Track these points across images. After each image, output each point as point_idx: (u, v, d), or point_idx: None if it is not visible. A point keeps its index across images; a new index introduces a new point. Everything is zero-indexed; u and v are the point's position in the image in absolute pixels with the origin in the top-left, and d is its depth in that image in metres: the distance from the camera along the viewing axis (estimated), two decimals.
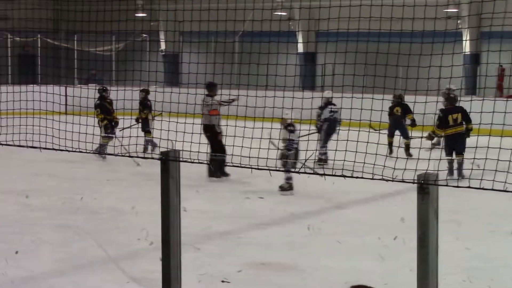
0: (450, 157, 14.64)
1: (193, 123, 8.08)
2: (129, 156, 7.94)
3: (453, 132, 14.60)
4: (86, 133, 7.92)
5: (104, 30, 10.37)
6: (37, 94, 15.82)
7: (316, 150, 14.89)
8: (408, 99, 7.32)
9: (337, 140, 7.23)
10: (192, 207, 10.95)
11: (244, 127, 7.69)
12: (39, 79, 26.06)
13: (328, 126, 16.66)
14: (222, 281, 8.56)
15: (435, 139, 16.09)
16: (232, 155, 6.79)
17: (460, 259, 9.38)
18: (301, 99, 8.28)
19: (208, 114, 14.45)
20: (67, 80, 25.31)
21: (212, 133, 14.40)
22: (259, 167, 6.39)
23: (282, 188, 13.77)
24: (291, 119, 13.30)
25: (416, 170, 5.50)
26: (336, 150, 6.86)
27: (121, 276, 8.72)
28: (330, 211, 12.68)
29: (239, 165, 6.58)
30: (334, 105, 16.59)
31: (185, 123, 8.00)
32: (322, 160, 16.03)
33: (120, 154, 7.90)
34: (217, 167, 14.82)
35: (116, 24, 10.16)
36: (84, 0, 10.28)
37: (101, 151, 16.11)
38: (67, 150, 7.29)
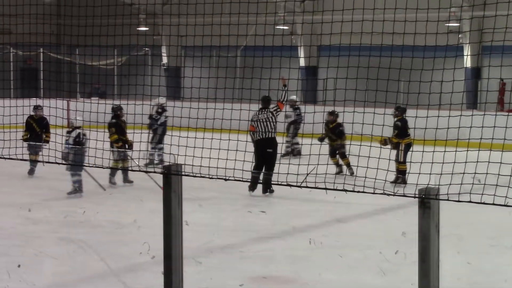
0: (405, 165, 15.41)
1: (195, 137, 8.11)
2: (138, 171, 7.96)
3: (411, 141, 15.47)
4: (89, 147, 7.94)
5: (107, 45, 10.40)
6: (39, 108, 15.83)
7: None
8: (410, 113, 7.36)
9: (349, 154, 7.25)
10: (194, 220, 10.96)
11: (246, 141, 7.73)
12: (41, 93, 26.13)
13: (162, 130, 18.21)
14: None
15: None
16: (234, 169, 6.81)
17: (461, 273, 9.37)
18: (304, 113, 8.31)
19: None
20: (69, 94, 25.37)
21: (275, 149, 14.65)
22: (261, 182, 6.41)
23: None
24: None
25: (417, 184, 5.52)
26: (338, 164, 6.87)
27: None
28: (331, 224, 12.67)
29: (241, 179, 6.60)
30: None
31: (187, 137, 8.02)
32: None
33: (123, 168, 7.92)
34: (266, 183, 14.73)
35: (118, 38, 10.20)
36: (86, 16, 10.32)
37: (111, 178, 15.94)
38: (70, 164, 7.33)
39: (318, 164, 7.52)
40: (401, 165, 15.59)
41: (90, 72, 25.09)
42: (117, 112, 16.50)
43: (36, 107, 17.56)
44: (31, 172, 17.08)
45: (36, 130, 17.40)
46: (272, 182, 14.14)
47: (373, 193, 5.87)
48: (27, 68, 33.11)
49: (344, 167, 16.56)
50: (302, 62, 33.05)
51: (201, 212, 12.92)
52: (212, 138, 8.06)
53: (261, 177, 14.29)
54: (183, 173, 5.94)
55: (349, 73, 8.18)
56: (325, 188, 6.32)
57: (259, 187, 14.47)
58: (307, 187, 6.55)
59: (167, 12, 32.58)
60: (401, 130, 15.70)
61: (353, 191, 6.05)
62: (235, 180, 6.67)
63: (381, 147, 15.77)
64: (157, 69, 33.67)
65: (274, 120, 14.77)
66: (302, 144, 15.60)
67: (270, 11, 25.75)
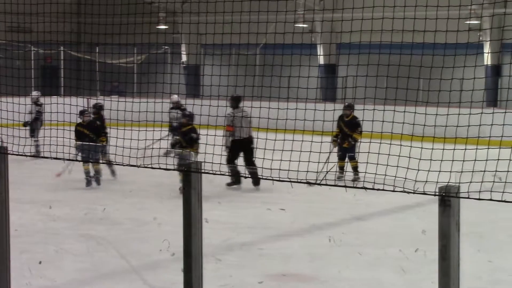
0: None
1: (215, 135, 8.12)
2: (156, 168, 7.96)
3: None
4: (109, 145, 7.96)
5: (127, 43, 10.43)
6: (60, 106, 15.92)
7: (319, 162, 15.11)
8: (430, 111, 7.31)
9: (358, 152, 7.24)
10: (214, 218, 10.99)
11: (266, 139, 7.71)
12: (62, 91, 26.25)
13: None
14: None
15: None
16: (258, 167, 6.82)
17: (482, 271, 9.33)
18: (323, 111, 8.29)
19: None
20: (89, 92, 25.48)
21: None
22: (281, 179, 6.40)
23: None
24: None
25: (437, 182, 5.49)
26: (357, 162, 6.86)
27: (143, 286, 8.76)
28: (350, 222, 12.65)
29: (260, 176, 6.60)
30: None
31: (207, 134, 8.03)
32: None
33: (143, 166, 7.93)
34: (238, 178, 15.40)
35: (138, 36, 10.22)
36: (106, 14, 10.35)
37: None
38: (89, 161, 7.37)
39: (338, 162, 7.54)
40: (352, 162, 15.75)
41: (110, 70, 25.18)
42: (99, 111, 16.72)
43: (82, 112, 16.36)
44: (88, 184, 15.86)
45: (90, 136, 16.14)
46: (292, 180, 14.19)
47: (393, 191, 5.84)
48: (47, 66, 33.28)
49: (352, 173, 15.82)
50: (321, 60, 32.98)
51: (221, 210, 12.94)
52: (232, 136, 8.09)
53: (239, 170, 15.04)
54: (203, 171, 5.94)
55: (369, 71, 8.15)
56: (345, 186, 6.31)
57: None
58: (326, 184, 6.54)
59: (186, 10, 32.60)
60: (354, 126, 15.93)
61: (373, 188, 6.03)
62: (253, 178, 6.68)
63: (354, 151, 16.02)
64: (176, 67, 33.75)
65: (250, 119, 15.18)
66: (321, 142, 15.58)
67: (289, 9, 25.73)
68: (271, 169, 6.71)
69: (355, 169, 15.80)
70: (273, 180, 6.41)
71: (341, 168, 16.18)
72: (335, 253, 10.46)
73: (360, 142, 15.77)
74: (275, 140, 7.53)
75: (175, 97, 20.98)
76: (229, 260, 9.96)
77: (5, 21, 12.35)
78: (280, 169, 6.58)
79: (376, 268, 9.71)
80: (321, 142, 7.97)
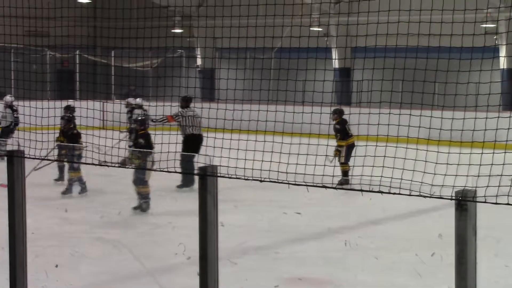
0: (347, 165, 16.00)
1: (230, 139, 8.12)
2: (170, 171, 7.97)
3: (352, 141, 16.19)
4: (126, 148, 7.98)
5: (143, 47, 10.47)
6: (76, 109, 16.01)
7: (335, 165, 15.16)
8: (446, 115, 7.30)
9: (375, 156, 7.23)
10: (230, 221, 10.99)
11: (282, 142, 7.72)
12: (77, 95, 26.34)
13: None
14: None
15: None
16: (270, 170, 6.81)
17: (499, 276, 9.29)
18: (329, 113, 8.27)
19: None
20: (105, 95, 25.59)
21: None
22: (296, 183, 6.40)
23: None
24: None
25: (454, 186, 5.47)
26: (373, 166, 6.85)
27: None
28: (366, 226, 12.63)
29: (276, 180, 6.59)
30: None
31: (222, 138, 8.04)
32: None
33: (160, 169, 7.95)
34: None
35: (153, 40, 10.25)
36: (123, 18, 10.38)
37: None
38: (106, 165, 7.38)
39: (353, 166, 7.52)
40: (342, 165, 16.05)
41: (126, 74, 25.23)
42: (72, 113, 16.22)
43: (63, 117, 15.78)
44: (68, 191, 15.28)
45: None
46: (308, 184, 14.24)
47: (409, 195, 5.83)
48: (63, 70, 33.40)
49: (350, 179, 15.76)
50: (336, 64, 32.95)
51: (236, 213, 12.95)
52: (247, 140, 8.07)
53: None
54: (218, 175, 5.94)
55: (384, 75, 8.14)
56: (361, 190, 6.28)
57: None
58: (342, 188, 6.54)
59: (202, 14, 32.66)
60: (342, 132, 16.34)
61: (389, 192, 6.00)
62: (270, 181, 6.66)
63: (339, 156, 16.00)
64: (191, 71, 33.79)
65: (198, 117, 16.41)
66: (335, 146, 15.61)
67: (304, 12, 25.72)
68: (286, 172, 6.70)
69: (344, 173, 16.01)
70: (288, 183, 6.41)
71: (345, 173, 16.11)
72: (350, 257, 10.45)
73: (340, 148, 16.07)
74: (290, 144, 7.53)
75: (138, 99, 21.92)
76: (245, 263, 9.96)
77: (23, 25, 12.40)
78: (295, 173, 6.59)
79: (392, 272, 9.69)
80: (337, 146, 8.00)
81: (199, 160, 13.17)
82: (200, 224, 5.54)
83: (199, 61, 35.72)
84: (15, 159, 5.15)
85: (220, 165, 6.26)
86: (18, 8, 13.76)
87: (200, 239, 5.64)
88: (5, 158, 17.84)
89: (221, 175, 6.12)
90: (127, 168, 12.92)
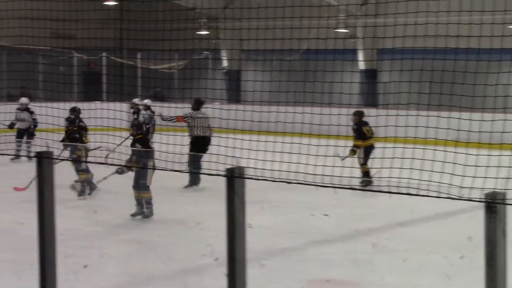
0: (366, 166, 16.12)
1: (258, 140, 8.14)
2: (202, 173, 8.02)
3: (370, 143, 16.29)
4: (155, 150, 8.00)
5: (170, 49, 10.52)
6: (102, 111, 16.05)
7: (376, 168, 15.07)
8: (475, 116, 7.26)
9: (403, 158, 7.21)
10: (257, 223, 10.98)
11: (309, 144, 7.72)
12: (104, 97, 26.48)
13: None
14: None
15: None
16: (297, 172, 6.81)
17: None
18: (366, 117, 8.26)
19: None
20: (131, 97, 25.70)
21: None
22: (324, 184, 6.39)
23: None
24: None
25: (483, 188, 5.44)
26: (401, 168, 6.84)
27: None
28: (394, 228, 12.57)
29: (304, 182, 6.59)
30: None
31: (250, 140, 8.06)
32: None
33: (193, 171, 7.98)
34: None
35: (179, 42, 10.28)
36: (149, 20, 10.42)
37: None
38: (137, 166, 7.44)
39: (381, 168, 7.50)
40: (362, 166, 16.12)
41: (153, 76, 25.33)
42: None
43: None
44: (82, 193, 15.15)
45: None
46: (336, 186, 14.31)
47: (438, 197, 5.80)
48: (90, 72, 33.56)
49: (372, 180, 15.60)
50: (361, 65, 32.80)
51: (263, 215, 12.93)
52: (274, 141, 8.10)
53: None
54: (246, 176, 5.95)
55: (410, 76, 8.12)
56: (389, 192, 6.27)
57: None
58: (371, 190, 6.52)
59: (228, 16, 32.69)
60: (358, 132, 16.38)
61: (417, 194, 5.98)
62: (297, 183, 6.66)
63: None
64: (217, 73, 33.84)
65: (208, 120, 16.82)
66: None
67: (330, 14, 25.66)
68: (314, 174, 6.70)
69: (365, 174, 16.03)
70: (316, 185, 6.40)
71: (367, 174, 16.10)
72: (378, 258, 10.41)
73: (355, 148, 16.26)
74: (317, 145, 7.53)
75: (146, 100, 22.26)
76: (272, 265, 9.96)
77: (50, 27, 12.49)
78: (323, 175, 6.59)
79: (419, 274, 9.64)
80: (364, 147, 7.98)
81: (226, 162, 13.17)
82: (228, 226, 5.54)
83: (225, 63, 35.75)
84: (44, 161, 5.18)
85: (248, 167, 6.27)
86: (45, 11, 13.87)
87: (228, 240, 5.65)
88: (20, 159, 18.00)
89: (249, 176, 6.13)
90: (133, 169, 12.84)
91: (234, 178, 5.62)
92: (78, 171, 14.91)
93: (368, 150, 16.26)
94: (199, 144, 16.49)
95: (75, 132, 15.15)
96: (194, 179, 16.40)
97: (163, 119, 17.07)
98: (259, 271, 9.33)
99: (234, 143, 8.18)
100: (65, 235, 10.78)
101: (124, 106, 21.85)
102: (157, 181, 13.62)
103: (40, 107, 21.05)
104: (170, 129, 12.74)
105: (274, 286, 8.93)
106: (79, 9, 12.04)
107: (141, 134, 13.09)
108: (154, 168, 12.27)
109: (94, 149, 14.12)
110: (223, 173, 6.01)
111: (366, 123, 16.59)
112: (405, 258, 10.26)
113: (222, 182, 5.65)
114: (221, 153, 8.36)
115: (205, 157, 14.82)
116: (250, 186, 5.60)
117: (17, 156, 20.33)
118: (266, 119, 9.12)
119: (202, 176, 15.97)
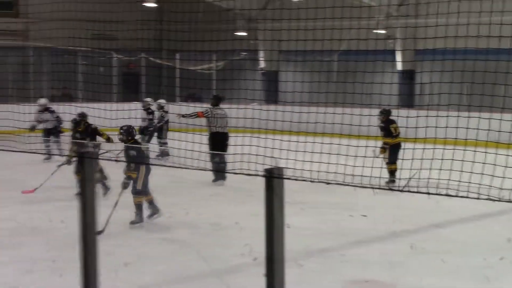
0: (395, 165, 16.17)
1: (297, 141, 8.14)
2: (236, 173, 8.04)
3: (397, 141, 16.34)
4: (193, 150, 8.04)
5: (210, 50, 10.58)
6: (141, 111, 16.06)
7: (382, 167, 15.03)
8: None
9: (442, 159, 7.18)
10: (296, 223, 10.99)
11: (348, 145, 7.71)
12: (142, 97, 26.62)
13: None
14: None
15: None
16: (336, 173, 6.81)
17: None
18: (397, 117, 8.24)
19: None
20: (168, 97, 25.82)
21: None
22: (363, 185, 6.38)
23: None
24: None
25: None
26: (440, 169, 6.80)
27: None
28: (431, 230, 12.49)
29: (343, 182, 6.58)
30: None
31: (289, 140, 8.06)
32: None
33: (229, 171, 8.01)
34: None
35: (218, 43, 10.30)
36: (187, 21, 10.46)
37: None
38: (174, 166, 7.47)
39: (420, 169, 7.48)
40: (389, 165, 16.22)
41: (192, 76, 25.36)
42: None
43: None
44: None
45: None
46: (374, 187, 14.40)
47: (478, 198, 5.76)
48: (129, 73, 33.79)
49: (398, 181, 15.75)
50: (399, 66, 32.65)
51: (303, 216, 12.94)
52: (313, 142, 8.11)
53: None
54: (285, 177, 5.95)
55: (448, 77, 8.07)
56: (428, 193, 6.23)
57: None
58: (409, 191, 6.49)
59: (265, 17, 32.73)
60: (386, 130, 16.43)
61: (457, 196, 5.95)
62: (336, 184, 6.66)
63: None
64: (255, 74, 33.89)
65: (226, 117, 17.10)
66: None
67: (367, 15, 25.59)
68: (353, 175, 6.70)
69: (391, 173, 16.21)
70: (355, 186, 6.40)
71: (391, 173, 16.35)
72: (415, 260, 10.35)
73: (385, 146, 16.31)
74: (357, 146, 7.51)
75: (160, 100, 22.38)
76: (310, 265, 9.95)
77: (91, 28, 12.63)
78: (362, 175, 6.58)
79: (457, 276, 9.56)
80: (404, 148, 7.96)
81: (265, 162, 13.20)
82: (267, 226, 5.54)
83: (262, 64, 35.78)
84: (86, 160, 5.24)
85: (287, 167, 6.27)
86: (85, 12, 14.01)
87: (267, 240, 5.65)
88: (52, 158, 18.03)
89: (288, 177, 6.13)
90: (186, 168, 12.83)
91: (273, 179, 5.62)
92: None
93: (396, 148, 16.24)
94: (217, 140, 16.86)
95: (84, 133, 15.23)
96: (218, 175, 16.80)
97: (183, 117, 17.21)
98: (297, 272, 9.34)
99: (273, 143, 8.19)
100: (105, 233, 10.94)
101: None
102: (193, 184, 13.67)
103: (58, 106, 21.23)
104: (189, 129, 12.69)
105: (312, 287, 8.92)
106: (119, 11, 12.14)
107: (132, 139, 12.75)
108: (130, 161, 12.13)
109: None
110: (262, 173, 6.02)
111: (393, 121, 16.59)
112: (442, 260, 10.20)
113: (260, 182, 5.67)
114: (259, 154, 8.38)
115: (237, 157, 14.93)
116: (288, 187, 5.60)
117: (49, 156, 20.52)
118: (305, 120, 9.12)
119: (241, 176, 16.00)
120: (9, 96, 25.09)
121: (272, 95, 29.90)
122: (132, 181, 12.35)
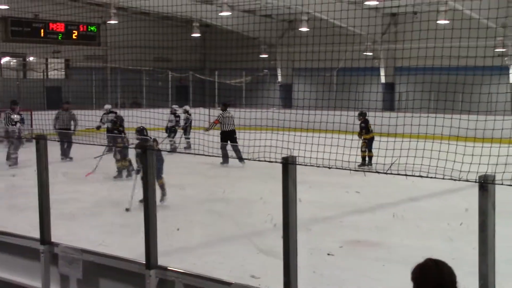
0: (371, 153, 16.75)
1: (306, 136, 8.12)
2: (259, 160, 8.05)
3: (372, 136, 16.91)
4: (213, 141, 7.98)
5: (241, 68, 10.59)
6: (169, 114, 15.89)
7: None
8: (471, 117, 7.16)
9: (416, 149, 7.14)
10: (305, 198, 10.94)
11: (345, 138, 7.69)
12: (191, 104, 26.72)
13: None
14: (328, 254, 8.55)
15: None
16: (336, 160, 6.79)
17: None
18: (381, 117, 8.18)
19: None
20: (209, 104, 25.80)
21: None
22: (356, 169, 6.36)
23: None
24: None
25: (477, 172, 5.35)
26: (415, 156, 6.76)
27: (253, 248, 8.83)
28: (409, 202, 12.44)
29: (341, 167, 6.57)
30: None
31: (300, 136, 8.05)
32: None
33: (252, 159, 8.01)
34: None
35: (247, 63, 10.33)
36: (223, 46, 10.48)
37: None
38: (213, 156, 7.51)
39: (400, 156, 7.47)
40: (369, 152, 16.81)
41: (227, 88, 25.28)
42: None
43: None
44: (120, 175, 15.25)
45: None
46: (365, 170, 14.40)
47: (443, 178, 5.72)
48: (180, 86, 33.88)
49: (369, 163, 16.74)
50: (382, 79, 32.45)
51: (311, 193, 12.92)
52: (319, 136, 8.10)
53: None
54: (297, 163, 5.95)
55: (420, 87, 8.03)
56: (405, 175, 6.21)
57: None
58: (391, 173, 6.46)
59: (283, 43, 32.67)
60: (365, 129, 16.91)
61: (427, 176, 5.91)
62: (336, 168, 6.64)
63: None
64: (274, 86, 33.82)
65: (233, 118, 17.49)
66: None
67: (358, 41, 25.48)
68: (349, 161, 6.67)
69: (363, 158, 16.81)
70: (350, 170, 6.36)
71: (363, 158, 16.93)
72: (397, 225, 10.32)
73: (366, 140, 16.71)
74: (351, 139, 7.46)
75: (185, 106, 21.88)
76: (316, 230, 9.95)
77: (153, 53, 12.70)
78: (355, 162, 6.57)
79: (429, 237, 9.53)
80: (387, 141, 7.97)
81: (282, 152, 13.17)
82: (283, 200, 5.56)
83: (279, 78, 35.71)
84: (148, 151, 5.26)
85: (298, 156, 6.27)
86: (148, 40, 14.04)
87: (283, 211, 5.67)
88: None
89: (299, 163, 6.14)
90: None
91: (288, 164, 5.62)
92: (117, 161, 15.05)
93: (371, 141, 17.02)
94: (227, 136, 17.33)
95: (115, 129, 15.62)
96: (224, 160, 17.21)
97: (207, 129, 16.95)
98: (306, 234, 9.34)
99: (288, 138, 8.18)
100: (161, 206, 10.98)
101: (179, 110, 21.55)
102: (226, 169, 13.56)
103: (118, 111, 21.11)
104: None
105: (318, 245, 8.92)
106: (173, 40, 12.17)
107: (142, 136, 12.23)
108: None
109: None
110: (280, 160, 6.01)
111: (368, 121, 17.19)
112: (417, 225, 10.15)
113: (278, 167, 5.68)
114: (278, 146, 8.39)
115: (261, 148, 14.88)
116: (300, 170, 5.59)
117: (110, 149, 20.29)
118: (312, 120, 9.15)
119: (264, 163, 15.94)
120: (93, 104, 25.18)
121: (287, 102, 29.81)
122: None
